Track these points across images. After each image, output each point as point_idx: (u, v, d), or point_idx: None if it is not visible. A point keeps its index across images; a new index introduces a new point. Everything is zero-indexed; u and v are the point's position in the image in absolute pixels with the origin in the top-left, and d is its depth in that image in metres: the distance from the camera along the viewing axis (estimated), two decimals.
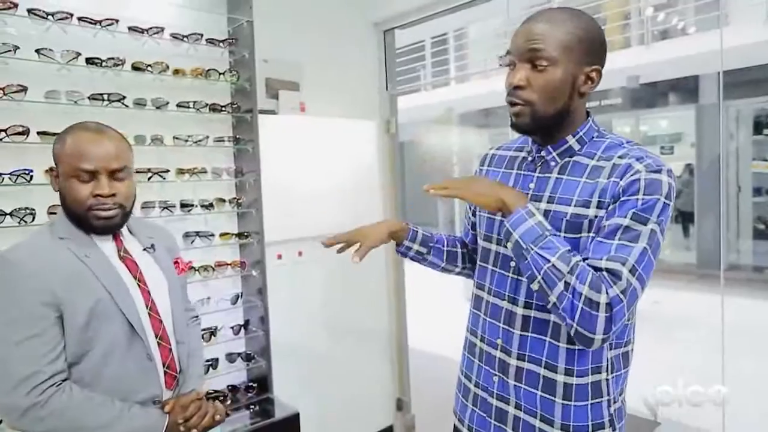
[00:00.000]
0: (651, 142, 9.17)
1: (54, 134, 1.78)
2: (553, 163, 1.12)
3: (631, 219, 0.98)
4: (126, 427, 1.20)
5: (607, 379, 1.09)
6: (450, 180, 1.15)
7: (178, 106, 2.11)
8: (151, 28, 2.02)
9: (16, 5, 1.72)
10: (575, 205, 1.05)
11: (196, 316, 1.63)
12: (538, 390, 1.10)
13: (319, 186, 2.65)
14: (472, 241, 1.38)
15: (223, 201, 2.26)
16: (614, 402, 1.10)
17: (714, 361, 2.35)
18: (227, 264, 2.27)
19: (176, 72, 2.11)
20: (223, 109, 2.24)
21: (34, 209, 1.73)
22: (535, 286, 1.01)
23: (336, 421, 2.75)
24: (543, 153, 1.13)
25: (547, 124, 1.08)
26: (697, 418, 2.31)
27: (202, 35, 2.16)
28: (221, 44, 2.23)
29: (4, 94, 1.69)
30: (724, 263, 6.29)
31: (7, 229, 1.69)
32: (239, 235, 2.33)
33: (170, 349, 1.34)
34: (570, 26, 1.03)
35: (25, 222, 1.71)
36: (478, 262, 1.27)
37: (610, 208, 1.01)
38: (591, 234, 1.03)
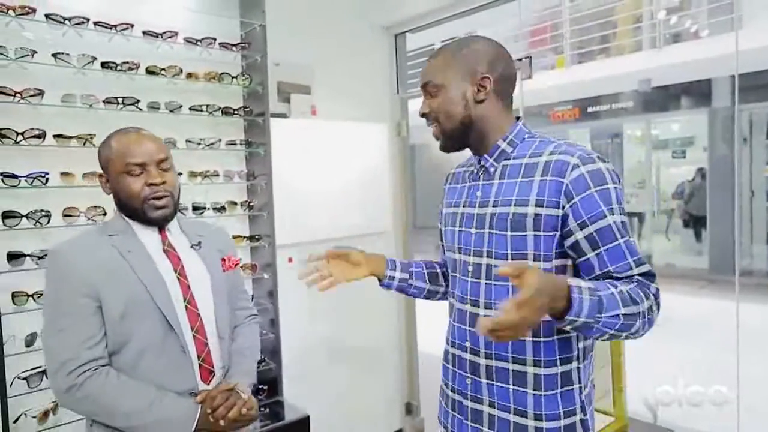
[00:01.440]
0: (663, 146, 9.10)
1: (70, 137, 1.82)
2: (492, 169, 1.20)
3: (609, 215, 1.05)
4: (159, 415, 1.23)
5: (578, 368, 1.14)
6: (509, 321, 0.91)
7: (191, 109, 2.13)
8: (165, 32, 2.04)
9: (34, 10, 1.75)
10: (515, 205, 1.12)
11: (255, 314, 1.66)
12: (510, 384, 1.14)
13: (330, 189, 2.65)
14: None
15: (235, 204, 2.28)
16: (585, 388, 1.16)
17: (726, 367, 2.33)
18: None
19: (189, 76, 2.13)
20: (236, 112, 2.26)
21: (49, 211, 1.75)
22: (605, 338, 1.04)
23: (345, 424, 2.75)
24: (482, 162, 1.21)
25: (458, 135, 1.19)
26: (712, 423, 2.29)
27: (215, 39, 2.18)
28: (234, 48, 2.25)
29: (22, 98, 1.72)
30: (737, 268, 6.23)
31: (24, 231, 1.71)
32: (250, 238, 2.35)
33: (206, 343, 1.34)
34: (447, 53, 1.19)
35: (41, 224, 1.73)
36: (449, 272, 1.32)
37: (566, 208, 1.06)
38: (537, 233, 1.09)
